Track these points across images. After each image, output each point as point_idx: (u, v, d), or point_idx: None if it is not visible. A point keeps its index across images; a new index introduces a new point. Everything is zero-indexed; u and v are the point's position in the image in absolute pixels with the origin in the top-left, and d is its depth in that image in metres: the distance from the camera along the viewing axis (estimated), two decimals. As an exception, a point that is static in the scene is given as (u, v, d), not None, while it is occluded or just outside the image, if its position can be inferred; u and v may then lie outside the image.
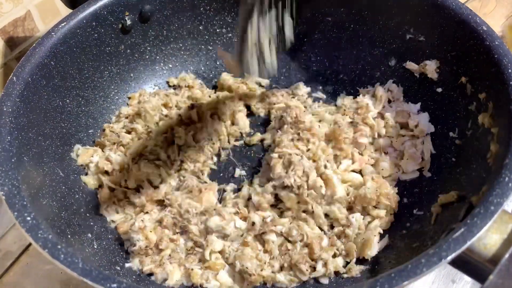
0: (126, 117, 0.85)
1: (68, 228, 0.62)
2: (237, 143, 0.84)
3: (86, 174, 0.77)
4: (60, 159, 0.72)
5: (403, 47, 0.81)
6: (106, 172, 0.77)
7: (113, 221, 0.74)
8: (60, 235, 0.58)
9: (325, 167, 0.73)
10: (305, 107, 0.87)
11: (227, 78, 0.92)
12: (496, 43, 0.65)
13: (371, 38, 0.86)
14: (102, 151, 0.80)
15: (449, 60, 0.74)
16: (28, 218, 0.52)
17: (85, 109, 0.80)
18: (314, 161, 0.74)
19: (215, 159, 0.82)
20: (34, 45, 0.70)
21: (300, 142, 0.77)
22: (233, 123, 0.86)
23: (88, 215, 0.70)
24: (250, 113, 0.89)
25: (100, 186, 0.77)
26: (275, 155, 0.76)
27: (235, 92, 0.89)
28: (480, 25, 0.68)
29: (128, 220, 0.72)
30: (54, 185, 0.67)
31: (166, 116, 0.86)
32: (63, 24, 0.73)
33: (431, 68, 0.78)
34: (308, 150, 0.76)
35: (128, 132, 0.83)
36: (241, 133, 0.85)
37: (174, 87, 0.92)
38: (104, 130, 0.82)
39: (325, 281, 0.67)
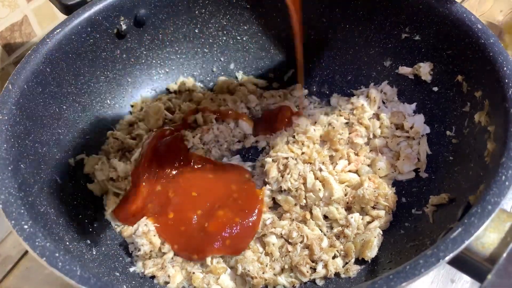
0: (130, 125, 0.86)
1: (66, 235, 0.62)
2: (239, 145, 0.84)
3: (92, 181, 0.78)
4: (58, 165, 0.72)
5: (399, 47, 0.81)
6: (112, 179, 0.78)
7: (117, 226, 0.74)
8: (58, 242, 0.58)
9: (320, 169, 0.73)
10: (300, 107, 0.87)
11: (225, 80, 0.92)
12: (491, 41, 0.65)
13: (367, 38, 0.85)
14: (107, 158, 0.80)
15: (445, 59, 0.74)
16: (26, 227, 0.52)
17: (82, 115, 0.80)
18: (309, 163, 0.74)
19: (225, 159, 0.82)
20: (29, 52, 0.70)
21: (295, 145, 0.78)
22: (236, 125, 0.86)
23: (86, 221, 0.70)
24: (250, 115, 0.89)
25: (106, 192, 0.77)
26: (269, 159, 0.76)
27: (236, 94, 0.89)
28: (475, 23, 0.68)
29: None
30: (51, 192, 0.67)
31: (170, 120, 0.86)
32: (58, 31, 0.73)
33: (424, 70, 0.78)
34: (303, 153, 0.76)
35: (133, 139, 0.83)
36: (245, 134, 0.85)
37: (175, 92, 0.93)
38: (107, 137, 0.83)
39: (321, 282, 0.67)
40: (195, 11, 0.90)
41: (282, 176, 0.72)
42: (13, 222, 0.52)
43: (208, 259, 0.68)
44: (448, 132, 0.73)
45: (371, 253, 0.66)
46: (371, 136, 0.80)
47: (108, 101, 0.86)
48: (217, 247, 0.68)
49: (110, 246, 0.70)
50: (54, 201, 0.66)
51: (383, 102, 0.83)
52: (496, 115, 0.61)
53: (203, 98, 0.90)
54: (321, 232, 0.71)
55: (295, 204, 0.72)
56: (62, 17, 0.77)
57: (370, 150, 0.79)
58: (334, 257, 0.68)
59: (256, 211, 0.71)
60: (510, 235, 0.50)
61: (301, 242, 0.69)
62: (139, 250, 0.69)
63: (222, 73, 0.95)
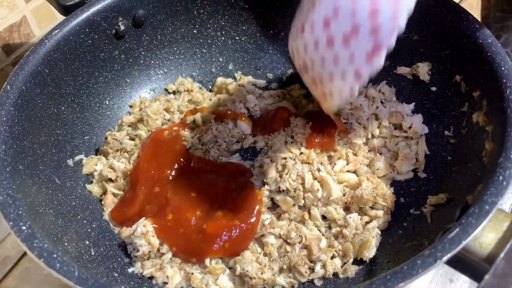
0: (129, 125, 0.86)
1: (65, 235, 0.62)
2: (238, 146, 0.84)
3: (91, 182, 0.78)
4: (56, 166, 0.72)
5: (397, 46, 0.81)
6: (110, 179, 0.78)
7: (116, 226, 0.74)
8: (57, 243, 0.58)
9: (319, 170, 0.73)
10: (298, 107, 0.87)
11: (224, 80, 0.92)
12: (489, 41, 0.65)
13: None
14: (106, 159, 0.80)
15: (443, 59, 0.74)
16: (24, 228, 0.52)
17: (81, 116, 0.80)
18: (308, 163, 0.74)
19: (224, 159, 0.82)
20: (28, 53, 0.70)
21: (293, 145, 0.77)
22: (235, 125, 0.86)
23: (85, 222, 0.70)
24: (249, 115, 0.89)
25: (105, 192, 0.77)
26: (267, 159, 0.76)
27: (235, 95, 0.89)
28: (473, 23, 0.68)
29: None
30: (50, 193, 0.67)
31: (168, 120, 0.86)
32: (56, 31, 0.73)
33: (423, 70, 0.78)
34: (301, 153, 0.76)
35: (132, 139, 0.84)
36: (243, 135, 0.85)
37: (174, 92, 0.93)
38: (106, 138, 0.83)
39: (319, 282, 0.67)
40: (193, 11, 0.90)
41: (281, 177, 0.72)
42: (11, 223, 0.52)
43: (207, 260, 0.68)
44: (446, 132, 0.73)
45: (370, 253, 0.66)
46: (370, 136, 0.79)
47: (107, 101, 0.86)
48: (215, 250, 0.68)
49: (108, 247, 0.70)
50: (52, 202, 0.66)
51: (382, 102, 0.83)
52: (494, 115, 0.61)
53: (201, 98, 0.90)
54: (320, 232, 0.71)
55: (294, 205, 0.72)
56: (60, 17, 0.77)
57: (369, 150, 0.79)
58: (332, 257, 0.68)
59: (255, 212, 0.71)
60: (508, 235, 0.50)
61: (299, 243, 0.69)
62: (138, 250, 0.68)
63: (221, 74, 0.95)
